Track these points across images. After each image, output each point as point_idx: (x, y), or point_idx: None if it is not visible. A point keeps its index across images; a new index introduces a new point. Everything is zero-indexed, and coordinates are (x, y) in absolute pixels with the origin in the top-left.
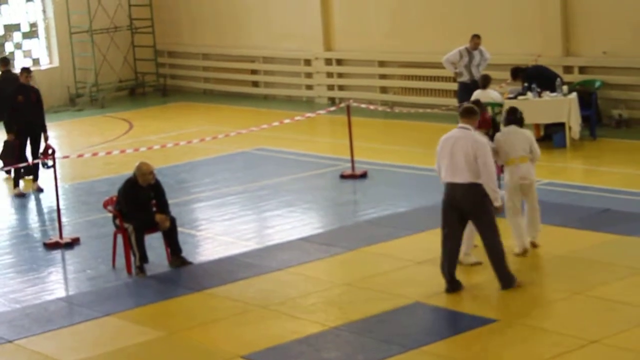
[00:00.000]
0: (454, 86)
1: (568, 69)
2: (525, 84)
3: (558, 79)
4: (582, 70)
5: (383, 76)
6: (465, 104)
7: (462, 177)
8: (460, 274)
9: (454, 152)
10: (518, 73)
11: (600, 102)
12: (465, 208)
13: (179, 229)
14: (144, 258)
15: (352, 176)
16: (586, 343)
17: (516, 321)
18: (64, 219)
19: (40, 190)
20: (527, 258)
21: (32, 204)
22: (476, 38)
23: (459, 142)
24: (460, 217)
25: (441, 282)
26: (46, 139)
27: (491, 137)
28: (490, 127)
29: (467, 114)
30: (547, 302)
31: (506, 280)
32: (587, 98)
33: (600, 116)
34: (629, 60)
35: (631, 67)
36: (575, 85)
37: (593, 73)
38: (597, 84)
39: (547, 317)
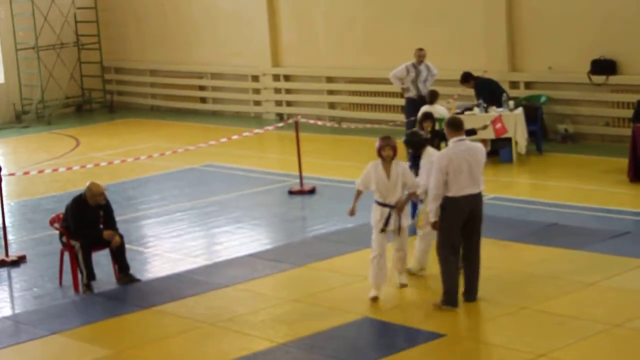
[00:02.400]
0: (401, 102)
1: (514, 84)
2: (475, 95)
3: (504, 94)
4: (528, 85)
5: (331, 92)
6: (451, 117)
7: (480, 187)
8: (407, 289)
9: (471, 163)
10: (469, 79)
11: (545, 117)
12: (477, 217)
13: (127, 246)
14: (91, 275)
15: (301, 192)
16: (534, 357)
17: (464, 336)
18: (9, 237)
19: None
20: None
21: None
22: (420, 51)
23: (472, 152)
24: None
25: (390, 297)
26: None
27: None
28: None
29: (458, 126)
30: (494, 316)
31: (475, 293)
32: (533, 113)
33: (546, 131)
34: (574, 76)
35: (576, 82)
36: (521, 100)
37: (538, 88)
38: (543, 99)
39: (494, 332)
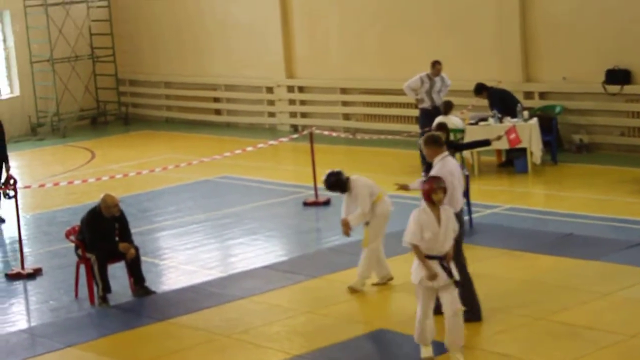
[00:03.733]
0: (416, 112)
1: (528, 95)
2: (489, 106)
3: (519, 105)
4: (542, 95)
5: (345, 103)
6: (430, 134)
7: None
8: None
9: (460, 178)
10: (482, 90)
11: (560, 127)
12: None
13: (142, 258)
14: (107, 288)
15: (315, 203)
16: None
17: (480, 347)
18: (25, 250)
19: (1, 220)
20: (490, 283)
21: None
22: (437, 64)
23: (458, 168)
24: None
25: (404, 308)
26: (7, 169)
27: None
28: None
29: (441, 142)
30: (509, 327)
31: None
32: (548, 123)
33: (561, 141)
34: (589, 86)
35: (591, 92)
36: (535, 110)
37: (553, 98)
38: (558, 109)
39: (510, 343)
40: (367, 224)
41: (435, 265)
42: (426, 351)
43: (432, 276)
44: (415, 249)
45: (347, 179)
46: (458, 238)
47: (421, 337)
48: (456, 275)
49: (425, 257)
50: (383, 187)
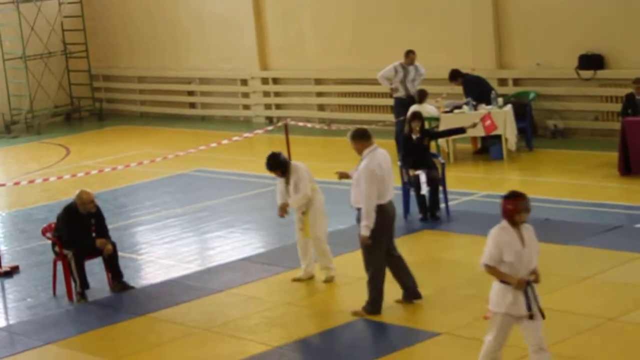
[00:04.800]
0: (391, 102)
1: (502, 82)
2: (464, 93)
3: (493, 92)
4: (516, 82)
5: (320, 94)
6: (357, 128)
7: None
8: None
9: (390, 168)
10: (456, 76)
11: (535, 113)
12: (394, 220)
13: (120, 254)
14: (84, 284)
15: None
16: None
17: (458, 333)
18: (2, 247)
19: None
20: (467, 270)
21: None
22: (411, 54)
23: (387, 158)
24: None
25: (384, 296)
26: None
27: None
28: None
29: (368, 135)
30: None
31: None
32: (522, 110)
33: (536, 127)
34: (563, 72)
35: (564, 77)
36: (509, 97)
37: (527, 85)
38: (532, 95)
39: (487, 329)
40: (304, 213)
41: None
42: None
43: (521, 283)
44: (493, 270)
45: (288, 161)
46: (390, 227)
47: None
48: (541, 303)
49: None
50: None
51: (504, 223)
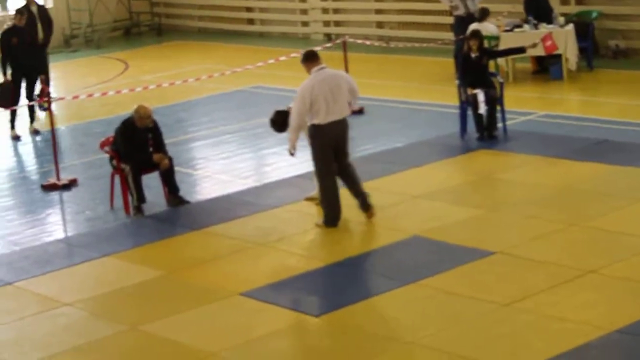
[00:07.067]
0: (450, 20)
1: (565, 0)
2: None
3: (554, 11)
4: (579, 0)
5: (379, 11)
6: (305, 50)
7: (346, 112)
8: (453, 207)
9: (334, 90)
10: None
11: (597, 32)
12: (343, 141)
13: (176, 168)
14: (141, 198)
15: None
16: (583, 273)
17: (513, 253)
18: (60, 161)
19: (36, 132)
20: (525, 190)
21: (28, 146)
22: None
23: (338, 79)
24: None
25: (439, 216)
26: (42, 81)
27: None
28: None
29: (314, 56)
30: (543, 233)
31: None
32: (584, 29)
33: (597, 47)
34: None
35: None
36: (571, 16)
37: (590, 3)
38: (594, 14)
39: (544, 249)
40: None
41: None
42: None
43: None
44: None
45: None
46: (333, 146)
47: None
48: None
49: None
50: (417, 95)
51: None
